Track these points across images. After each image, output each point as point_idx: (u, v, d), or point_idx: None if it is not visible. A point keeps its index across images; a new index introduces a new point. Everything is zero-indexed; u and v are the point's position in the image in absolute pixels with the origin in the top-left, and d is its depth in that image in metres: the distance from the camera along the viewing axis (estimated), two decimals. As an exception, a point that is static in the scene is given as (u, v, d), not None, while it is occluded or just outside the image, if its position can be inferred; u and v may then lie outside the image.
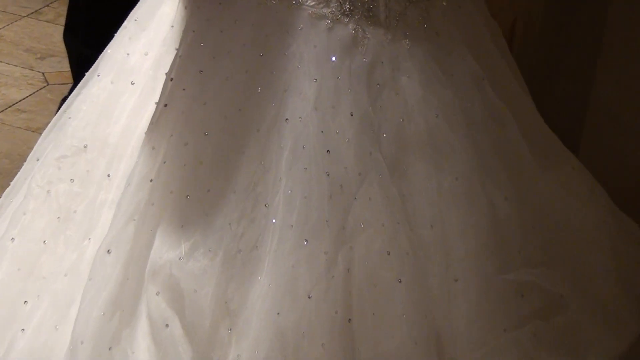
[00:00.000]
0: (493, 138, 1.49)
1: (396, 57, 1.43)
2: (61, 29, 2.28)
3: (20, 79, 2.62)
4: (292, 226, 1.35)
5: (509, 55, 1.63)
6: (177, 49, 1.42)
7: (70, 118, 1.52)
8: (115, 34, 1.55)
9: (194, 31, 1.42)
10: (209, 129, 1.40)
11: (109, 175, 1.47)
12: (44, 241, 1.44)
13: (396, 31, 1.44)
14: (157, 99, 1.42)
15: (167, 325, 1.35)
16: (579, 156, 1.85)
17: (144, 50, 1.49)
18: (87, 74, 1.56)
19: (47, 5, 3.06)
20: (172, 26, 1.46)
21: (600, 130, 2.06)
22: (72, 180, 1.48)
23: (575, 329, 1.51)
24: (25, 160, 1.54)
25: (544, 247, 1.51)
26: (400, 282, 1.36)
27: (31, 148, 1.56)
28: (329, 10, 1.41)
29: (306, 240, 1.35)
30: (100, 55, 1.55)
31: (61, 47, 2.40)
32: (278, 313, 1.31)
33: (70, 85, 2.23)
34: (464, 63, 1.49)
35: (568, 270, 1.55)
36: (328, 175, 1.37)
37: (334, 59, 1.40)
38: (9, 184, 1.54)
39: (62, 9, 2.83)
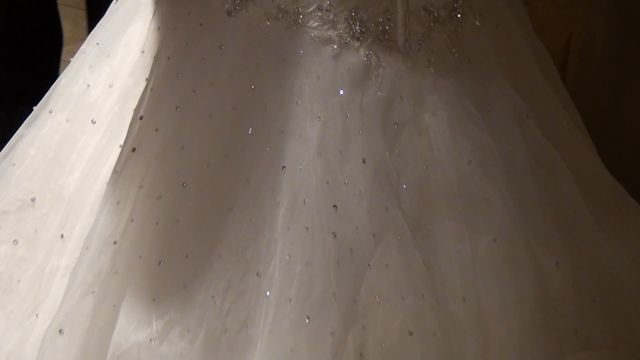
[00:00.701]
0: (540, 189, 1.39)
1: (418, 90, 1.34)
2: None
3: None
4: (291, 300, 1.25)
5: (560, 86, 1.52)
6: (148, 80, 1.32)
7: (14, 165, 1.42)
8: (72, 60, 1.44)
9: (169, 58, 1.31)
10: (187, 179, 1.30)
11: (62, 236, 1.36)
12: None
13: (418, 58, 1.35)
14: (123, 142, 1.31)
15: None
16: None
17: (107, 81, 1.39)
18: (35, 108, 1.45)
19: None
20: (143, 51, 1.36)
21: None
22: (15, 241, 1.39)
23: None
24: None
25: (607, 325, 1.39)
26: None
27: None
28: (336, 32, 1.31)
29: (308, 318, 1.24)
30: (52, 86, 1.43)
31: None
32: None
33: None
34: (504, 97, 1.39)
35: (637, 355, 1.46)
36: (335, 236, 1.28)
37: (341, 92, 1.30)
38: None
39: None
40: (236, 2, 1.31)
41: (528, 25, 1.50)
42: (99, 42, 1.42)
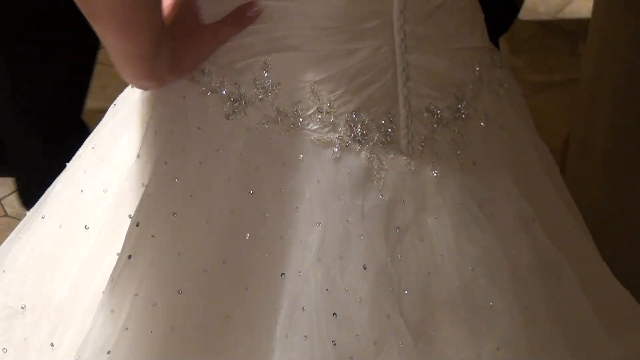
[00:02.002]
0: (546, 295, 1.37)
1: (421, 194, 1.32)
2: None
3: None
4: (291, 410, 1.25)
5: (563, 188, 1.51)
6: (145, 185, 1.31)
7: (4, 271, 1.41)
8: (67, 164, 1.44)
9: (166, 163, 1.31)
10: (183, 285, 1.28)
11: (52, 344, 1.35)
12: None
13: (421, 160, 1.33)
14: (118, 249, 1.30)
15: None
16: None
17: (102, 186, 1.38)
18: (28, 213, 1.45)
19: None
20: (139, 156, 1.34)
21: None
22: (4, 350, 1.37)
23: None
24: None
25: None
26: None
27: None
28: (337, 135, 1.30)
29: None
30: (47, 191, 1.43)
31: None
32: None
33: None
34: (509, 200, 1.38)
35: None
36: (335, 344, 1.25)
37: (342, 197, 1.29)
38: None
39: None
40: (234, 105, 1.30)
41: (532, 126, 1.49)
42: (94, 146, 1.41)
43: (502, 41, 3.79)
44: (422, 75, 1.33)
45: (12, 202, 2.78)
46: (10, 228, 2.63)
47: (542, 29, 3.95)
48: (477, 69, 1.38)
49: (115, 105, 1.42)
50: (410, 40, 1.31)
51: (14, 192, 2.82)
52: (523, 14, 3.98)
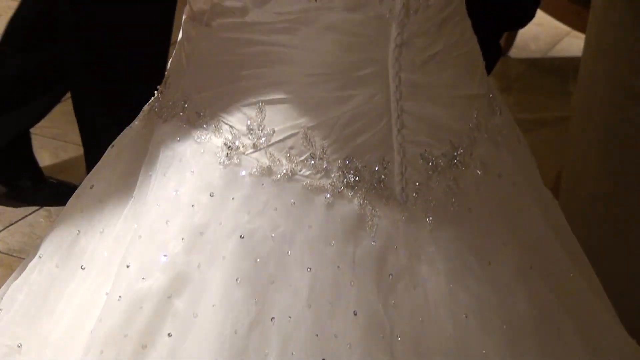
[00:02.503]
0: (543, 346, 1.36)
1: (415, 241, 1.32)
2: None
3: None
4: None
5: (568, 234, 1.50)
6: (137, 228, 1.32)
7: (1, 310, 1.40)
8: (67, 203, 1.44)
9: (158, 205, 1.31)
10: (172, 329, 1.27)
11: (47, 384, 1.31)
12: None
13: (415, 207, 1.32)
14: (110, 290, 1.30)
15: None
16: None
17: (99, 228, 1.39)
18: (26, 257, 1.46)
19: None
20: (133, 197, 1.36)
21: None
22: None
23: None
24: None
25: None
26: None
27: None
28: (329, 181, 1.29)
29: None
30: (46, 234, 1.43)
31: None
32: None
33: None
34: (505, 248, 1.37)
35: None
36: (325, 390, 1.23)
37: (333, 243, 1.28)
38: None
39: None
40: (228, 149, 1.30)
41: (533, 172, 1.48)
42: (92, 186, 1.41)
43: (493, 79, 3.81)
44: (417, 123, 1.33)
45: (5, 237, 2.77)
46: (3, 264, 2.63)
47: (532, 67, 3.96)
48: (475, 116, 1.38)
49: (113, 146, 1.42)
50: (405, 88, 1.31)
51: (6, 227, 2.81)
52: (514, 52, 4.00)
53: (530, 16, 3.07)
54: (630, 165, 2.36)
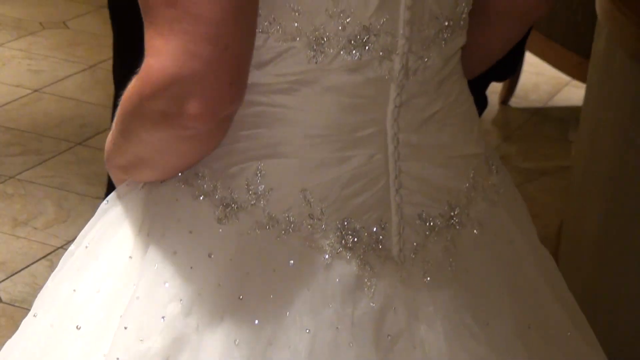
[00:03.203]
0: None
1: (413, 302, 1.30)
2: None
3: None
4: None
5: (565, 291, 1.48)
6: (135, 288, 1.29)
7: None
8: (60, 261, 1.41)
9: (156, 266, 1.29)
10: None
11: None
12: None
13: (413, 268, 1.31)
14: (106, 350, 1.29)
15: None
16: None
17: (94, 286, 1.36)
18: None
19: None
20: (131, 257, 1.34)
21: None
22: None
23: None
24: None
25: None
26: None
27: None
28: (327, 242, 1.28)
29: None
30: (41, 291, 1.41)
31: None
32: None
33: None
34: (503, 307, 1.36)
35: None
36: None
37: (332, 305, 1.27)
38: None
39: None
40: (227, 210, 1.29)
41: (530, 231, 1.47)
42: (87, 245, 1.40)
43: (494, 129, 3.81)
44: (415, 183, 1.32)
45: (7, 287, 2.76)
46: (5, 314, 2.62)
47: (533, 116, 3.97)
48: (472, 175, 1.37)
49: (107, 202, 1.40)
50: (403, 148, 1.31)
51: (9, 277, 2.81)
52: (514, 102, 4.01)
53: (511, 71, 3.13)
54: (632, 216, 2.35)
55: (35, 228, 3.14)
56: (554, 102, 4.07)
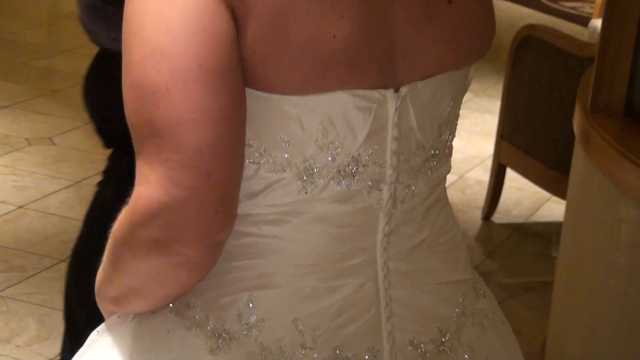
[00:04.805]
0: None
1: None
2: None
3: None
4: None
5: None
6: None
7: None
8: None
9: None
10: None
11: None
12: None
13: None
14: None
15: None
16: None
17: None
18: None
19: None
20: None
21: None
22: None
23: None
24: None
25: None
26: None
27: None
28: None
29: None
30: None
31: None
32: None
33: None
34: None
35: None
36: None
37: None
38: None
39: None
40: (218, 341, 1.29)
41: (517, 352, 1.48)
42: None
43: (477, 245, 3.84)
44: (405, 311, 1.33)
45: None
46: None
47: (516, 232, 4.00)
48: (461, 301, 1.39)
49: (97, 332, 1.40)
50: (393, 276, 1.32)
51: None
52: (497, 217, 4.05)
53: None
54: (613, 336, 2.37)
55: (17, 346, 3.12)
56: (536, 218, 4.11)
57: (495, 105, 4.64)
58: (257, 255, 1.29)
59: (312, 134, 1.26)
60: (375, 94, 1.27)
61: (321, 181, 1.28)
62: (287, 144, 1.27)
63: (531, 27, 3.88)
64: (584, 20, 6.32)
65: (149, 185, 1.21)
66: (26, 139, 4.50)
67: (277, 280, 1.29)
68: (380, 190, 1.31)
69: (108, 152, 2.58)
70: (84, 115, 2.55)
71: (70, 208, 3.93)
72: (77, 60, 5.23)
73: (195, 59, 1.18)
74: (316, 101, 1.25)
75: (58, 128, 4.50)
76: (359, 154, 1.29)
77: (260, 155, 1.27)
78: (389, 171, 1.31)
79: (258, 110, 1.24)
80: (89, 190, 4.03)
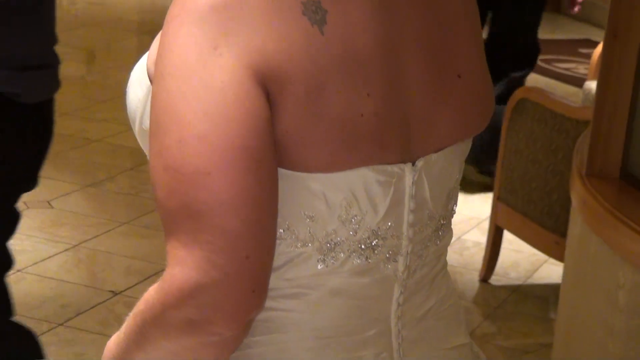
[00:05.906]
0: None
1: None
2: None
3: None
4: None
5: None
6: None
7: None
8: None
9: None
10: None
11: None
12: None
13: None
14: None
15: None
16: None
17: None
18: None
19: None
20: None
21: None
22: None
23: None
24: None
25: None
26: None
27: None
28: None
29: None
30: None
31: None
32: None
33: None
34: None
35: None
36: None
37: None
38: None
39: None
40: None
41: None
42: None
43: (475, 307, 3.84)
44: None
45: None
46: None
47: (514, 294, 4.00)
48: None
49: None
50: (406, 345, 1.34)
51: None
52: (494, 279, 4.05)
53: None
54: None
55: (14, 412, 3.10)
56: (533, 280, 4.10)
57: (492, 166, 4.65)
58: (276, 330, 1.30)
59: (335, 210, 1.28)
60: (395, 168, 1.29)
61: (342, 255, 1.30)
62: (310, 220, 1.28)
63: (526, 90, 3.92)
64: (578, 82, 6.37)
65: (185, 267, 1.20)
66: (24, 202, 4.51)
67: (297, 354, 1.30)
68: (396, 261, 1.33)
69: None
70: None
71: (68, 272, 3.93)
72: (76, 123, 5.26)
73: (235, 142, 1.19)
74: (341, 177, 1.26)
75: (56, 191, 4.50)
76: (379, 227, 1.30)
77: (283, 231, 1.28)
78: (404, 242, 1.33)
79: (283, 187, 1.25)
80: (86, 253, 4.04)
